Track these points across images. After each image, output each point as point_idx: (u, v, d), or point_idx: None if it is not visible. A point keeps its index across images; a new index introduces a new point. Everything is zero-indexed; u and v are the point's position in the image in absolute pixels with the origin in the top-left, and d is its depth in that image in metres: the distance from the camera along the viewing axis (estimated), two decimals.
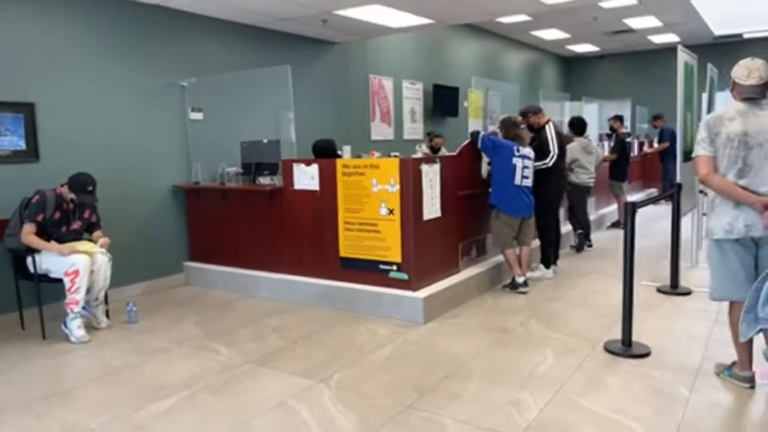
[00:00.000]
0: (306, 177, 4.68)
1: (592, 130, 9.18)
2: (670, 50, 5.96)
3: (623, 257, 3.40)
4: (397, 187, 4.22)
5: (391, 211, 4.26)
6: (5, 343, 3.96)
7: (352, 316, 4.31)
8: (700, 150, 2.82)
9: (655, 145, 10.11)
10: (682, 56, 5.15)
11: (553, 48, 12.78)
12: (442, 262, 4.58)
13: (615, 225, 7.93)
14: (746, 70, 2.76)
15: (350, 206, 4.46)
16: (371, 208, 4.35)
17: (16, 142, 4.30)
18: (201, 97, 5.53)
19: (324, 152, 5.08)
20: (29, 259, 3.98)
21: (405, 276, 4.25)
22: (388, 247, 4.30)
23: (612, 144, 7.88)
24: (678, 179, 5.03)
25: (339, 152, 5.52)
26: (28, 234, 3.91)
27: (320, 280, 4.65)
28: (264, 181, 5.04)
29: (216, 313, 4.56)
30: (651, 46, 12.36)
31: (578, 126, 6.58)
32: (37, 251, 3.95)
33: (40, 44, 4.44)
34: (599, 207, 8.15)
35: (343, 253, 4.54)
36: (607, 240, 7.05)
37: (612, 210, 8.28)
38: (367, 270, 4.41)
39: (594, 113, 9.80)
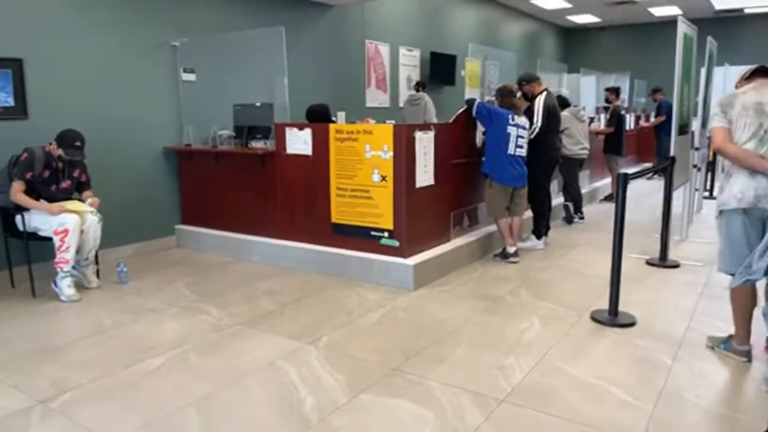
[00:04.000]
0: (299, 141, 4.64)
1: (589, 102, 9.14)
2: (670, 23, 5.88)
3: (613, 228, 3.42)
4: (391, 153, 4.19)
5: (383, 178, 4.24)
6: None
7: (342, 282, 4.33)
8: (714, 122, 2.88)
9: (652, 118, 10.08)
10: (682, 27, 5.09)
11: (552, 18, 12.60)
12: (433, 230, 4.59)
13: (608, 198, 7.95)
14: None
15: (343, 172, 4.43)
16: (364, 175, 4.33)
17: (4, 98, 4.22)
18: (193, 57, 5.43)
19: (318, 117, 5.02)
20: (18, 217, 3.95)
21: (396, 243, 4.26)
22: (380, 213, 4.30)
23: (608, 116, 7.84)
24: (672, 153, 5.03)
25: (333, 118, 5.46)
26: (17, 192, 3.88)
27: (311, 245, 4.65)
28: (256, 144, 4.99)
29: (207, 276, 4.57)
30: (652, 19, 12.21)
31: (560, 102, 6.52)
32: (27, 209, 3.92)
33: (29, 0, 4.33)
34: (593, 180, 8.16)
35: (334, 219, 4.54)
36: (599, 213, 7.07)
37: (606, 183, 8.29)
38: (359, 236, 4.41)
39: (592, 85, 9.72)
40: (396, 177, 4.20)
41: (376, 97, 8.08)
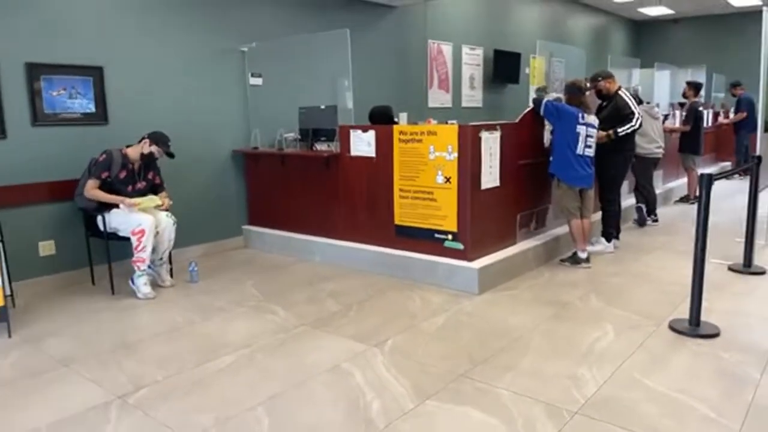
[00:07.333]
0: (362, 143, 4.65)
1: (664, 99, 8.70)
2: (751, 14, 5.51)
3: (695, 231, 3.22)
4: (455, 154, 4.12)
5: (447, 179, 4.18)
6: (77, 296, 4.19)
7: (405, 284, 4.30)
8: None
9: (731, 115, 9.50)
10: None
11: (622, 11, 12.10)
12: (498, 232, 4.48)
13: (683, 200, 7.55)
14: None
15: (406, 173, 4.40)
16: (427, 176, 4.28)
17: (86, 104, 4.45)
18: (260, 62, 5.55)
19: (381, 118, 5.02)
20: (99, 218, 4.15)
21: (460, 245, 4.19)
22: (444, 215, 4.24)
23: (684, 113, 7.43)
24: (758, 151, 4.70)
25: (396, 119, 5.45)
26: (91, 188, 4.06)
27: (374, 246, 4.65)
28: (321, 147, 5.05)
29: (273, 276, 4.65)
30: (730, 10, 11.50)
31: None
32: (107, 210, 4.11)
33: (107, 10, 4.54)
34: (667, 180, 7.77)
35: (397, 221, 4.52)
36: (673, 216, 6.72)
37: (681, 184, 7.87)
38: (422, 238, 4.37)
39: (666, 81, 9.25)
40: (460, 178, 4.13)
41: (438, 98, 8.01)
